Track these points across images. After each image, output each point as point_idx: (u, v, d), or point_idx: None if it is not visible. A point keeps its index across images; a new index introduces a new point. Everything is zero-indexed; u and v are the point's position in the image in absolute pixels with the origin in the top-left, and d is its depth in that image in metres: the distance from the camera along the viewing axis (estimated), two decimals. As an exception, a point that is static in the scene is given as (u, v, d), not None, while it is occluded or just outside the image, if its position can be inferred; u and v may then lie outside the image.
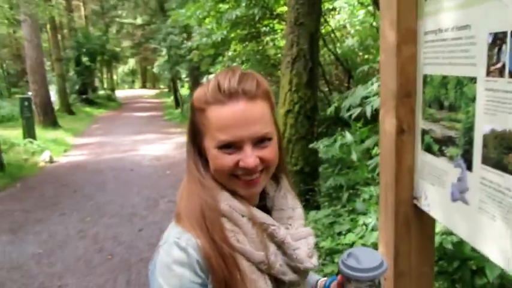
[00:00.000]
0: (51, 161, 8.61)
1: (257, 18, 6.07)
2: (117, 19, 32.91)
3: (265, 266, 0.78)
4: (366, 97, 3.16)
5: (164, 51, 22.79)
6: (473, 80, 0.78)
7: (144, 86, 53.40)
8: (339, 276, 0.89)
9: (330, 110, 3.91)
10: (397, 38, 1.04)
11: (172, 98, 24.49)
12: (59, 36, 19.92)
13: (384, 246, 1.38)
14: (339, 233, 3.55)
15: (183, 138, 11.53)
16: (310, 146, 4.18)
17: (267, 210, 0.87)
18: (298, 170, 4.56)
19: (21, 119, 9.93)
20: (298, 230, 0.86)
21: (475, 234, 0.88)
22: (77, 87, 21.07)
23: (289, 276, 0.82)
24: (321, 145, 4.07)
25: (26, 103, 9.97)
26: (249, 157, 0.77)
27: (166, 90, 37.85)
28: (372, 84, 3.12)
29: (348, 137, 3.39)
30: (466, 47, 0.79)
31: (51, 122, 12.95)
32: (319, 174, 4.82)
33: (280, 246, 0.81)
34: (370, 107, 2.73)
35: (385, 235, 1.36)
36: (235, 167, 0.78)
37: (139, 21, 34.21)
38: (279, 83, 8.69)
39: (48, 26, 17.41)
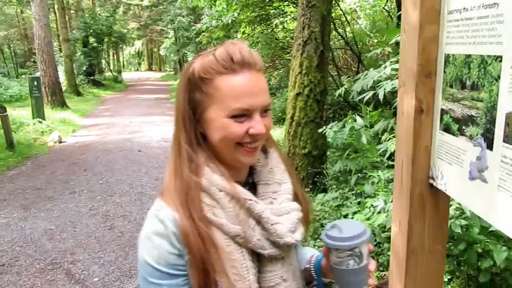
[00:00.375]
0: (60, 140, 8.69)
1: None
2: (124, 0, 32.68)
3: (242, 240, 0.80)
4: (378, 81, 3.15)
5: (171, 34, 22.62)
6: (498, 58, 0.79)
7: (150, 69, 53.28)
8: (324, 248, 0.92)
9: (339, 93, 3.89)
10: (419, 18, 1.04)
11: (178, 80, 24.49)
12: (66, 17, 19.84)
13: (397, 225, 1.40)
14: (346, 215, 3.59)
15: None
16: (320, 130, 4.19)
17: (254, 186, 0.89)
18: (306, 153, 4.59)
19: (30, 98, 9.98)
20: (281, 205, 0.87)
21: (493, 212, 0.90)
22: (84, 68, 21.08)
23: (269, 250, 0.83)
24: (329, 130, 4.07)
25: (35, 83, 10.02)
26: (260, 124, 0.81)
27: (173, 72, 37.75)
28: (385, 67, 3.10)
29: (359, 120, 3.39)
30: (493, 26, 0.79)
31: (60, 102, 13.01)
32: (326, 158, 4.84)
33: (258, 220, 0.82)
34: (382, 91, 2.71)
35: (400, 214, 1.38)
36: (245, 134, 0.81)
37: (146, 2, 33.97)
38: (287, 65, 8.66)
39: (56, 6, 17.33)
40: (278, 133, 9.03)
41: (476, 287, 2.59)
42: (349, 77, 5.99)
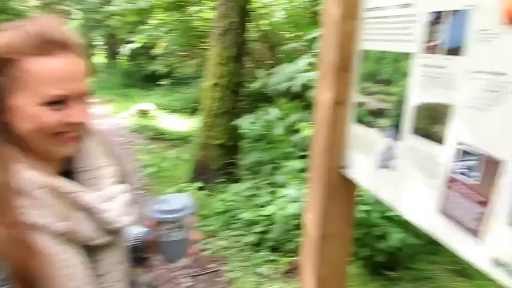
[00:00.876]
0: None
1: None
2: (22, -29, 29.44)
3: (70, 236, 0.75)
4: (293, 74, 3.27)
5: (77, 15, 20.97)
6: (409, 55, 0.86)
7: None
8: (149, 222, 0.95)
9: (255, 86, 3.97)
10: (340, 13, 1.09)
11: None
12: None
13: (310, 212, 1.47)
14: (260, 205, 3.68)
15: (99, 108, 10.90)
16: (235, 122, 4.22)
17: (71, 174, 0.82)
18: (220, 144, 4.60)
19: None
20: (106, 191, 0.82)
21: (399, 199, 0.97)
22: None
23: (100, 239, 0.79)
24: (245, 121, 4.13)
25: None
26: (80, 112, 0.74)
27: (78, 56, 35.00)
28: (302, 61, 3.22)
29: (273, 112, 3.48)
30: (406, 25, 0.85)
31: None
32: (239, 149, 4.90)
33: (86, 211, 0.77)
34: (297, 83, 2.82)
35: (313, 201, 1.45)
36: (62, 124, 0.73)
37: (47, -23, 30.99)
38: (202, 55, 8.55)
39: None
40: (190, 123, 8.93)
41: (372, 266, 2.83)
42: (264, 69, 6.13)
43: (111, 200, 0.82)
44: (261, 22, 6.27)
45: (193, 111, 9.78)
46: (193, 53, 8.19)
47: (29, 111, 0.71)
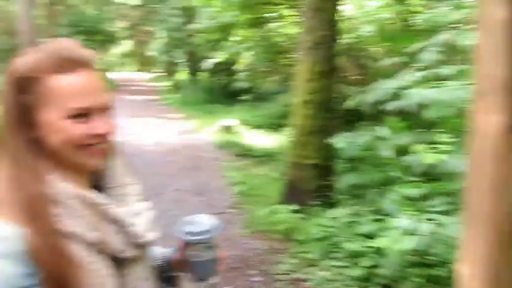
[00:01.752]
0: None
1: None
2: (113, -1, 32.16)
3: (101, 246, 0.77)
4: (400, 89, 2.94)
5: (162, 34, 22.31)
6: None
7: (139, 69, 52.68)
8: (179, 242, 0.98)
9: (350, 103, 3.70)
10: (508, 14, 0.83)
11: (168, 82, 24.09)
12: (54, 13, 19.34)
13: (471, 265, 1.18)
14: (364, 235, 3.37)
15: (183, 124, 11.30)
16: (329, 140, 3.96)
17: (100, 190, 0.84)
18: (312, 164, 4.36)
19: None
20: (133, 206, 0.86)
21: None
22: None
23: (129, 253, 0.81)
24: (341, 140, 3.86)
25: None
26: (104, 123, 0.78)
27: (162, 74, 37.26)
28: (407, 76, 2.89)
29: (383, 131, 3.17)
30: None
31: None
32: (334, 170, 4.62)
33: (116, 224, 0.79)
34: (413, 100, 2.50)
35: (474, 254, 1.16)
36: (88, 136, 0.76)
37: (134, 1, 33.48)
38: (283, 70, 8.46)
39: (45, 1, 16.85)
40: (275, 139, 8.82)
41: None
42: (353, 86, 5.81)
43: (138, 215, 0.85)
44: (348, 36, 5.99)
45: (277, 127, 9.69)
46: (274, 68, 8.12)
47: (56, 125, 0.75)
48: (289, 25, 7.39)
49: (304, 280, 3.24)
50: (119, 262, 0.81)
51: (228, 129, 8.94)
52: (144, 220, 0.86)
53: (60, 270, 0.71)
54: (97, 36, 23.86)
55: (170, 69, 22.80)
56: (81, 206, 0.76)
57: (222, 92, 15.07)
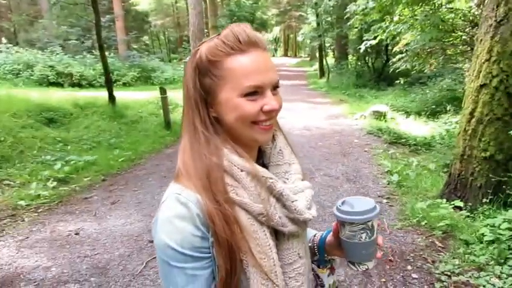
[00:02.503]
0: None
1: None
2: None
3: (265, 218, 0.80)
4: None
5: (311, 19, 22.34)
6: None
7: (285, 54, 54.10)
8: (334, 224, 0.95)
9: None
10: None
11: (314, 66, 24.15)
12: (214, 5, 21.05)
13: None
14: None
15: (332, 109, 11.22)
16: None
17: (265, 167, 0.89)
18: (487, 157, 3.84)
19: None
20: (295, 184, 0.88)
21: None
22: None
23: (289, 227, 0.84)
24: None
25: (189, 67, 10.71)
26: (273, 100, 0.82)
27: (308, 59, 37.53)
28: None
29: None
30: None
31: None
32: (512, 165, 3.99)
33: (279, 198, 0.83)
34: None
35: None
36: (259, 111, 0.81)
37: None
38: (451, 48, 7.62)
39: (207, -5, 18.48)
40: (430, 127, 8.09)
41: None
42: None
43: (300, 193, 0.87)
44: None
45: (432, 114, 8.89)
46: (439, 48, 7.36)
47: (232, 103, 0.81)
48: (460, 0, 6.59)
49: (471, 285, 2.90)
50: (279, 236, 0.85)
51: (380, 115, 8.53)
52: (305, 198, 0.87)
53: (230, 234, 0.77)
54: (254, 24, 25.33)
55: (318, 53, 22.76)
56: (250, 178, 0.81)
57: (373, 76, 14.46)
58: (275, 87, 0.84)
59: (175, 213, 0.77)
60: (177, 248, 0.76)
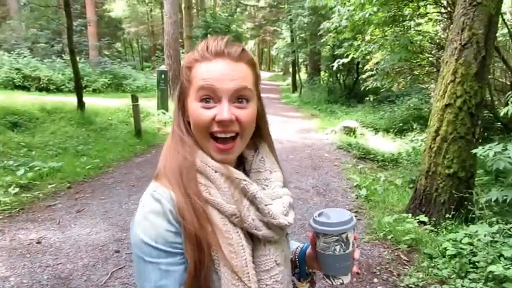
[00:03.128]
0: (180, 132, 9.11)
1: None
2: (242, 1, 33.84)
3: (237, 219, 0.81)
4: None
5: (285, 34, 22.72)
6: None
7: (259, 68, 54.52)
8: (311, 235, 0.93)
9: (506, 111, 3.27)
10: None
11: (287, 81, 24.49)
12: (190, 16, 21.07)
13: None
14: (508, 258, 2.97)
15: (303, 123, 11.37)
16: (474, 151, 3.57)
17: (246, 174, 0.89)
18: (450, 174, 3.99)
19: (157, 90, 10.63)
20: (274, 190, 0.88)
21: None
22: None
23: (263, 231, 0.83)
24: (488, 150, 3.44)
25: (163, 76, 10.64)
26: (225, 110, 0.80)
27: (281, 73, 38.04)
28: None
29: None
30: None
31: (180, 96, 13.77)
32: (474, 182, 4.17)
33: (252, 201, 0.83)
34: None
35: None
36: (212, 121, 0.81)
37: (262, 3, 34.74)
38: (418, 69, 7.92)
39: (183, 5, 18.48)
40: (398, 144, 8.34)
41: None
42: (500, 91, 5.19)
43: (277, 198, 0.87)
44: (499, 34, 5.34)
45: (399, 131, 9.18)
46: (408, 69, 7.64)
47: (191, 107, 0.84)
48: (428, 23, 6.88)
49: (432, 298, 2.98)
50: (256, 241, 0.85)
51: (349, 130, 8.72)
52: (282, 203, 0.87)
53: (199, 229, 0.78)
54: (229, 36, 25.37)
55: (292, 68, 23.12)
56: (223, 179, 0.82)
57: (344, 92, 14.80)
58: (240, 98, 0.82)
59: (150, 209, 0.79)
60: (151, 243, 0.77)
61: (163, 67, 12.64)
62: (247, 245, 0.82)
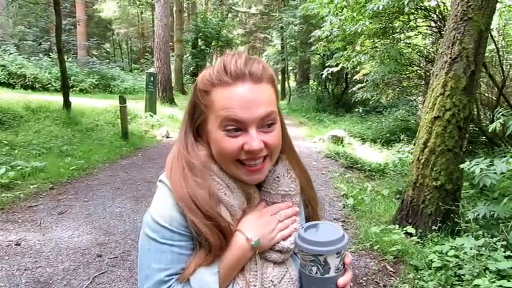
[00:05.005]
0: (167, 135, 9.03)
1: (406, 9, 5.49)
2: (234, 7, 33.94)
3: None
4: None
5: (275, 42, 22.84)
6: None
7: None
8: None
9: (494, 126, 3.31)
10: None
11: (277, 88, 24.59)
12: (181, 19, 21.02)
13: None
14: (494, 272, 2.98)
15: (292, 130, 11.34)
16: (462, 166, 3.59)
17: (259, 190, 0.88)
18: (437, 186, 4.01)
19: (146, 92, 10.54)
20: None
21: None
22: (191, 68, 22.18)
23: (264, 252, 0.84)
24: (475, 165, 3.47)
25: (152, 78, 10.55)
26: (255, 139, 0.77)
27: (271, 80, 38.02)
28: None
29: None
30: None
31: (169, 99, 13.71)
32: (460, 195, 4.20)
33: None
34: None
35: None
36: (240, 150, 0.78)
37: (253, 10, 34.90)
38: (407, 81, 8.02)
39: (174, 9, 18.44)
40: (385, 155, 8.39)
41: None
42: (487, 105, 5.26)
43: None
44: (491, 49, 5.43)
45: (386, 142, 9.25)
46: (397, 80, 7.72)
47: (214, 136, 0.81)
48: (418, 36, 6.98)
49: (419, 310, 2.97)
50: (260, 260, 0.84)
51: (337, 139, 8.75)
52: (286, 229, 0.86)
53: (216, 219, 0.78)
54: (219, 41, 25.43)
55: (281, 76, 23.21)
56: (237, 186, 0.83)
57: (333, 101, 14.89)
58: (266, 123, 0.79)
59: (163, 196, 0.82)
60: (166, 225, 0.78)
61: (152, 69, 12.56)
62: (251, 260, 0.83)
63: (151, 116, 10.01)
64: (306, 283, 0.81)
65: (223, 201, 0.80)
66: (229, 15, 34.56)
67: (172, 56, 19.41)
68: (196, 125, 0.85)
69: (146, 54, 25.90)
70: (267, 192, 0.88)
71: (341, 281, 0.79)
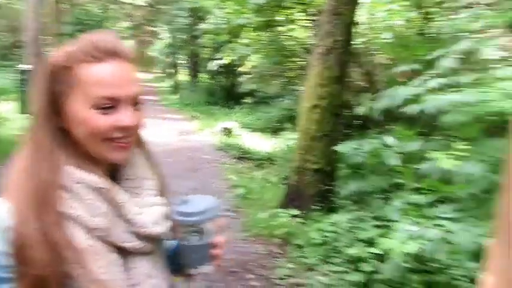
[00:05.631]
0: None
1: (285, 4, 5.76)
2: (117, -2, 32.18)
3: (103, 233, 0.75)
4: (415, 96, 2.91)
5: (164, 35, 22.30)
6: None
7: (139, 70, 52.54)
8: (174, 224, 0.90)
9: (361, 110, 3.67)
10: None
11: (168, 83, 24.07)
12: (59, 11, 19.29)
13: (495, 277, 1.12)
14: (365, 241, 3.31)
15: (183, 125, 11.22)
16: (336, 147, 3.91)
17: (116, 182, 0.83)
18: (317, 169, 4.33)
19: (20, 92, 9.39)
20: (144, 199, 0.83)
21: None
22: (72, 63, 20.48)
23: (133, 243, 0.79)
24: (347, 147, 3.81)
25: (26, 76, 9.42)
26: (130, 116, 0.76)
27: (162, 75, 37.17)
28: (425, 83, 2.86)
29: (390, 140, 3.14)
30: None
31: (46, 96, 12.47)
32: (337, 176, 4.58)
33: (120, 211, 0.77)
34: (432, 104, 2.46)
35: (501, 263, 1.11)
36: (112, 128, 0.75)
37: (139, 2, 33.51)
38: (286, 74, 8.45)
39: (49, -2, 16.80)
40: (274, 143, 8.76)
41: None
42: (358, 92, 5.80)
43: (148, 208, 0.82)
44: (359, 41, 5.97)
45: (276, 131, 9.66)
46: (280, 72, 8.10)
47: (82, 115, 0.74)
48: (298, 29, 7.38)
49: (303, 285, 3.18)
50: (124, 253, 0.79)
51: (228, 131, 8.89)
52: (154, 213, 0.83)
53: (57, 255, 0.70)
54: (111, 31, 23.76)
55: (171, 70, 22.76)
56: (86, 190, 0.75)
57: (224, 94, 15.06)
58: (136, 102, 0.78)
59: None
60: None
61: (25, 66, 11.21)
62: (116, 259, 0.77)
63: (27, 118, 9.00)
64: (187, 253, 0.87)
65: (71, 216, 0.74)
66: (114, 6, 32.70)
67: (50, 50, 17.70)
68: (57, 111, 0.77)
69: (18, 49, 23.16)
70: (125, 180, 0.85)
71: (217, 240, 0.87)
